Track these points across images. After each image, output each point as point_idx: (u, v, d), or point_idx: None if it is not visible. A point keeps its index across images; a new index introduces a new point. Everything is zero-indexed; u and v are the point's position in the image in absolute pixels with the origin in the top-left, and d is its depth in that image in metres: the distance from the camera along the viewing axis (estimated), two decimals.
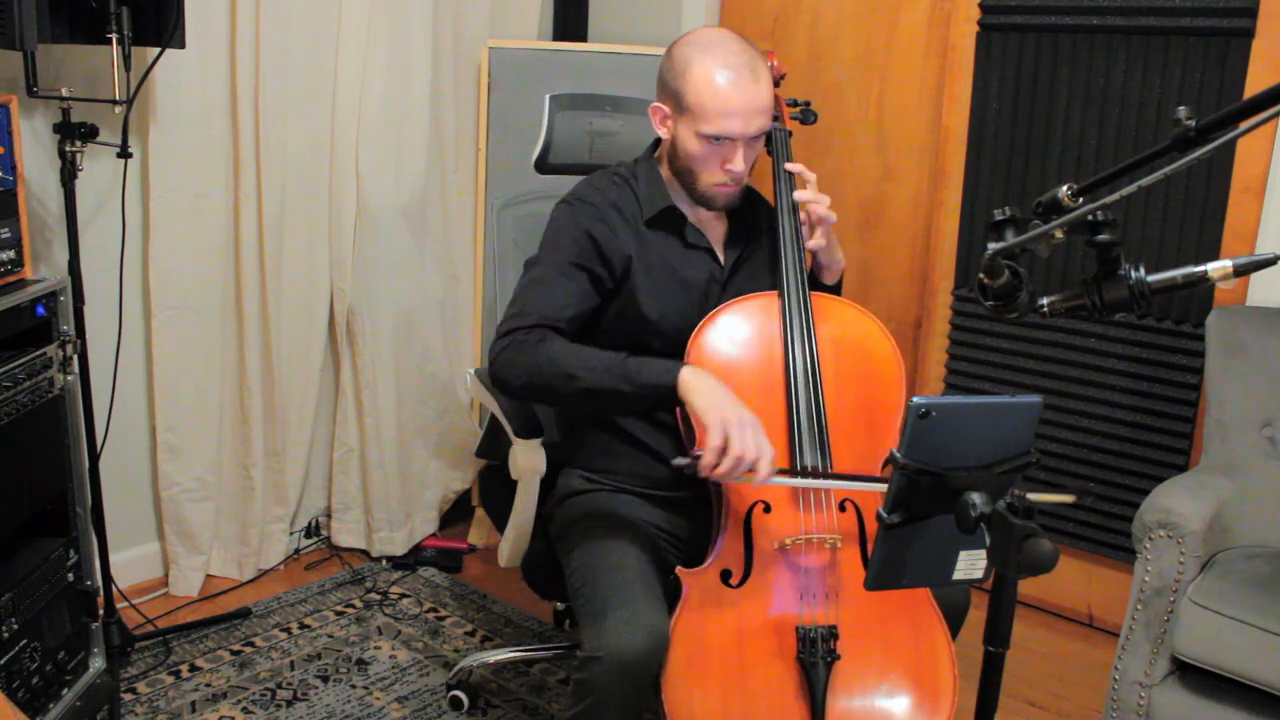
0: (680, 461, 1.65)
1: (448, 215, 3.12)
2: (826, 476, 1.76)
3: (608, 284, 1.89)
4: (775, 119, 2.05)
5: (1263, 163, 2.47)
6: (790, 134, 2.05)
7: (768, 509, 1.77)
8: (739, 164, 1.83)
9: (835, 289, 2.03)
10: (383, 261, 2.94)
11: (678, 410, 1.84)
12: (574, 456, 2.03)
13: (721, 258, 1.97)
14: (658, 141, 1.97)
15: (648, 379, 1.69)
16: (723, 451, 1.58)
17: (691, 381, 1.66)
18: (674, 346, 1.88)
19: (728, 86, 1.78)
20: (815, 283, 2.01)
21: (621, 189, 1.95)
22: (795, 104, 2.16)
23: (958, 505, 1.21)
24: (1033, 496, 1.21)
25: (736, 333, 1.85)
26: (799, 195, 1.91)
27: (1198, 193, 2.55)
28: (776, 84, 2.10)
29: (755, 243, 2.01)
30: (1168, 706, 2.12)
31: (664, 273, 1.92)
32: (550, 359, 1.73)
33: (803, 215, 1.91)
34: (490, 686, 2.50)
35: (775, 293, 1.89)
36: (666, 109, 1.88)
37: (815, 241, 1.90)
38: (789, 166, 1.96)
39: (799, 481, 1.76)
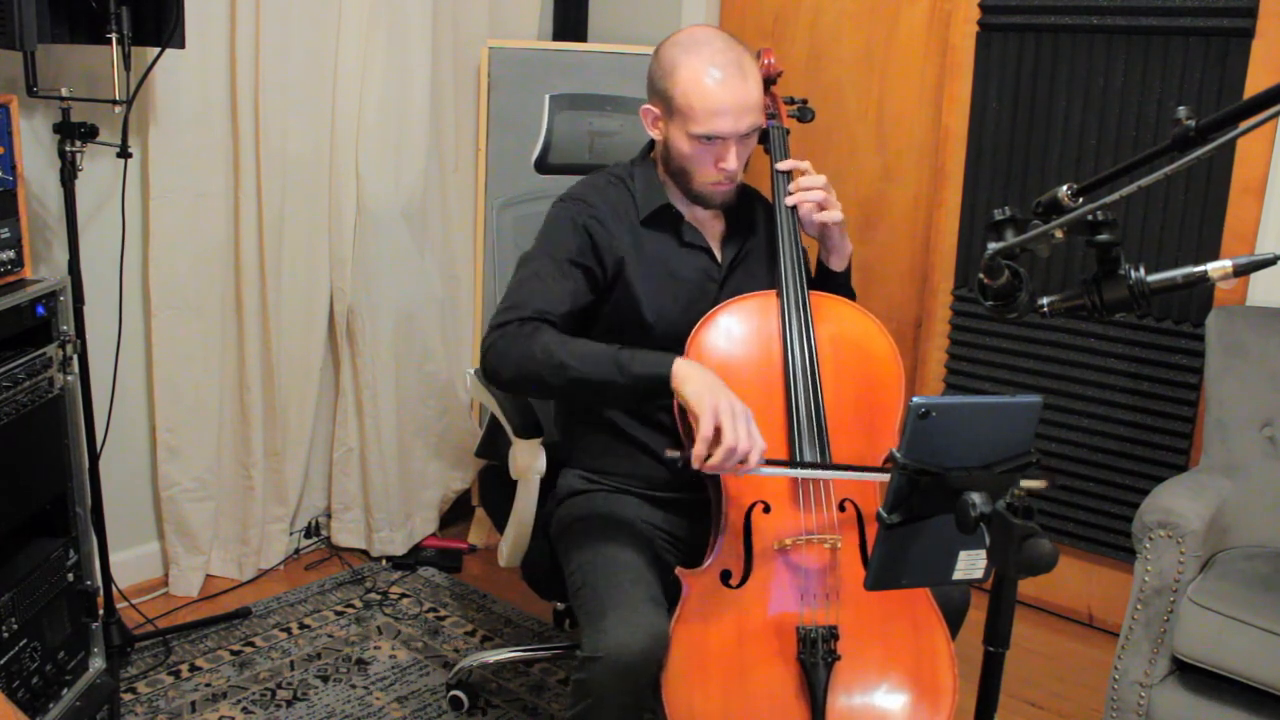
0: (673, 454, 1.65)
1: (448, 215, 3.12)
2: (816, 467, 1.76)
3: (602, 282, 1.90)
4: (773, 117, 2.05)
5: (1263, 163, 2.47)
6: (788, 132, 2.05)
7: (767, 509, 1.77)
8: (732, 162, 1.83)
9: (844, 276, 2.02)
10: (383, 261, 2.93)
11: (675, 409, 1.84)
12: (574, 457, 2.03)
13: (719, 256, 1.97)
14: (653, 142, 1.97)
15: (640, 370, 1.68)
16: (715, 441, 1.58)
17: (685, 372, 1.66)
18: (671, 344, 1.88)
19: (716, 86, 1.78)
20: (822, 268, 2.01)
21: (618, 189, 1.96)
22: (792, 101, 2.16)
23: (958, 505, 1.21)
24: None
25: (735, 331, 1.85)
26: (795, 183, 1.92)
27: (1198, 193, 2.55)
28: (774, 82, 2.11)
29: (753, 240, 2.01)
30: (1168, 706, 2.11)
31: (661, 271, 1.92)
32: (544, 348, 1.72)
33: (797, 198, 1.92)
34: (490, 686, 2.49)
35: (774, 291, 1.89)
36: (657, 111, 1.88)
37: (827, 216, 1.91)
38: (780, 166, 1.96)
39: (789, 471, 1.75)
